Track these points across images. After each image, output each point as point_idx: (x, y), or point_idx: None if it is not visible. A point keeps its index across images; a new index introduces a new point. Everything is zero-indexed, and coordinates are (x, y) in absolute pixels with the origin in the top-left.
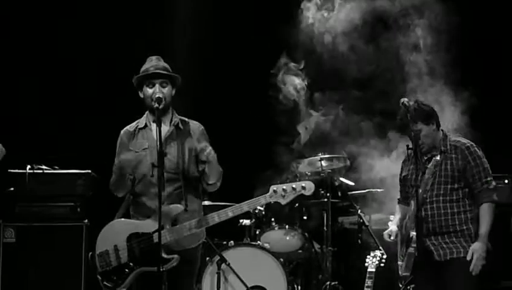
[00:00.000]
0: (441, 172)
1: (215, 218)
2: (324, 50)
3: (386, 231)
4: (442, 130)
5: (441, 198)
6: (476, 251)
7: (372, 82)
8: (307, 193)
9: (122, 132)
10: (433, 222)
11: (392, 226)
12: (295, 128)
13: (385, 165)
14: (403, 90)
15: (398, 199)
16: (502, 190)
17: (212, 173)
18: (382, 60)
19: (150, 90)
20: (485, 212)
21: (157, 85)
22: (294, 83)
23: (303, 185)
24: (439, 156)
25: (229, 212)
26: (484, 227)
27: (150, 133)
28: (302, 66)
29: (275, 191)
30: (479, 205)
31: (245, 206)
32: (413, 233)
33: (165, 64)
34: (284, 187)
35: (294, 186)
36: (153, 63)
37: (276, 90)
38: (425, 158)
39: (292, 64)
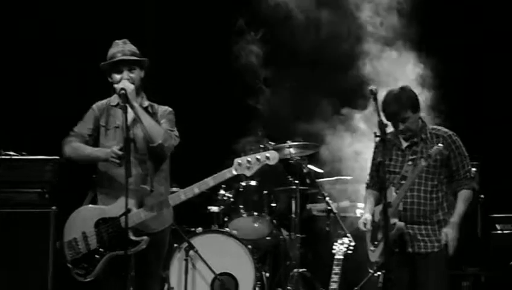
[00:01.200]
0: (420, 159)
1: (181, 196)
2: (279, 19)
3: (361, 220)
4: (420, 118)
5: (422, 188)
6: (450, 233)
7: (326, 54)
8: (271, 162)
9: (94, 105)
10: (411, 210)
11: (366, 215)
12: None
13: (345, 145)
14: (360, 59)
15: (367, 184)
16: None
17: (147, 131)
18: (337, 25)
19: (118, 77)
20: (464, 197)
21: (125, 72)
22: (251, 51)
23: (267, 155)
24: (420, 146)
25: (195, 189)
26: (459, 210)
27: (122, 113)
28: (259, 35)
29: (239, 164)
30: (457, 191)
31: (211, 181)
32: (395, 220)
33: (132, 48)
34: (249, 159)
35: (258, 157)
36: (119, 48)
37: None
38: (406, 145)
39: (249, 33)
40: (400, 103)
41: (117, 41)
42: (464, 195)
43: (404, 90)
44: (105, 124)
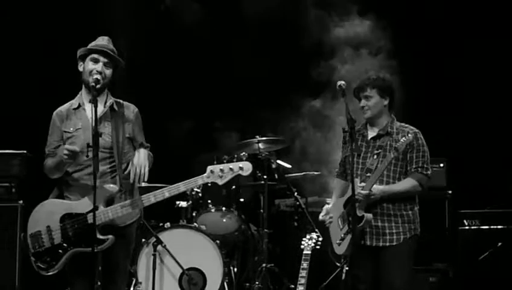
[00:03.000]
0: (385, 152)
1: (151, 198)
2: None
3: (323, 210)
4: (391, 114)
5: (385, 179)
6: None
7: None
8: (245, 173)
9: (54, 113)
10: (375, 202)
11: (327, 205)
12: None
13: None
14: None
15: (336, 172)
16: (438, 173)
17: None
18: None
19: (92, 66)
20: (409, 182)
21: (101, 63)
22: None
23: (240, 165)
24: (385, 140)
25: (166, 193)
26: (396, 186)
27: (84, 113)
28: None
29: (212, 172)
30: None
31: (182, 186)
32: (363, 212)
33: (114, 48)
34: (221, 167)
35: (231, 166)
36: (104, 43)
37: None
38: (371, 136)
39: None
40: (368, 80)
41: (103, 36)
42: (409, 180)
43: (380, 75)
44: (67, 129)
